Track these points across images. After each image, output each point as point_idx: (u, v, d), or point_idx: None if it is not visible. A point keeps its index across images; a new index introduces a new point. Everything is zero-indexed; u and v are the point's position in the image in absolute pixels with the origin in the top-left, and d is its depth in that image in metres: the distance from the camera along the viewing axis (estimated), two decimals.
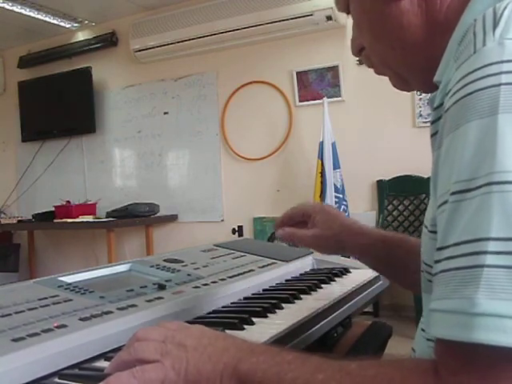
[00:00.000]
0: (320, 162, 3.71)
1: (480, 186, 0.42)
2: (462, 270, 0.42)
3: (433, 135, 0.56)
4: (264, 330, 0.78)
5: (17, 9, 4.37)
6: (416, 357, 0.47)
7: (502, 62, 0.44)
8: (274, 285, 1.09)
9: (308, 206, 0.96)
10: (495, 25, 0.46)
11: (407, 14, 0.60)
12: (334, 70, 3.95)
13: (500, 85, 0.43)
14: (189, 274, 1.00)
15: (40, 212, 4.65)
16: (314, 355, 0.54)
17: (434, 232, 0.52)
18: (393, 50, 0.64)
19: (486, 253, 0.40)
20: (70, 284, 0.88)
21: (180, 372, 0.54)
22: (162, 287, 0.89)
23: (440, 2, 0.59)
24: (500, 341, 0.38)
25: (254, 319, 0.81)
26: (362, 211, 3.91)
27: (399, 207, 3.79)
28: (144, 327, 0.61)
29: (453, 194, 0.45)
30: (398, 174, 3.72)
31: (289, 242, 0.94)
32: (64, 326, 0.68)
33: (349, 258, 1.33)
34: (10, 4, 4.27)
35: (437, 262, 0.46)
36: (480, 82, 0.44)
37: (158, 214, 4.54)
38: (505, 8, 0.47)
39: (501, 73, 0.43)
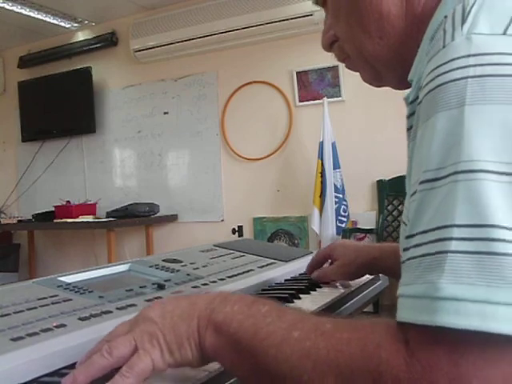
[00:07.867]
0: (320, 162, 3.71)
1: (447, 175, 0.43)
2: (428, 256, 0.43)
3: (408, 129, 0.57)
4: None
5: (17, 9, 4.38)
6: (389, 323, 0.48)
7: (469, 55, 0.45)
8: (273, 285, 1.09)
9: (327, 247, 1.11)
10: (463, 20, 0.47)
11: (387, 2, 0.61)
12: (333, 70, 3.95)
13: (467, 77, 0.44)
14: (188, 274, 1.00)
15: (40, 212, 4.65)
16: (289, 309, 0.56)
17: None
18: (370, 38, 0.63)
19: (451, 239, 0.42)
20: (69, 284, 0.88)
21: (161, 345, 0.54)
22: (161, 287, 0.89)
23: None
24: (461, 324, 0.39)
25: None
26: (362, 211, 3.92)
27: (399, 207, 3.79)
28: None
29: (421, 183, 0.46)
30: (398, 174, 3.71)
31: (323, 280, 1.07)
32: (63, 325, 0.68)
33: None
34: (10, 4, 4.28)
35: (405, 249, 0.47)
36: (448, 74, 0.46)
37: (158, 214, 4.54)
38: (473, 4, 0.48)
39: (468, 66, 0.45)
